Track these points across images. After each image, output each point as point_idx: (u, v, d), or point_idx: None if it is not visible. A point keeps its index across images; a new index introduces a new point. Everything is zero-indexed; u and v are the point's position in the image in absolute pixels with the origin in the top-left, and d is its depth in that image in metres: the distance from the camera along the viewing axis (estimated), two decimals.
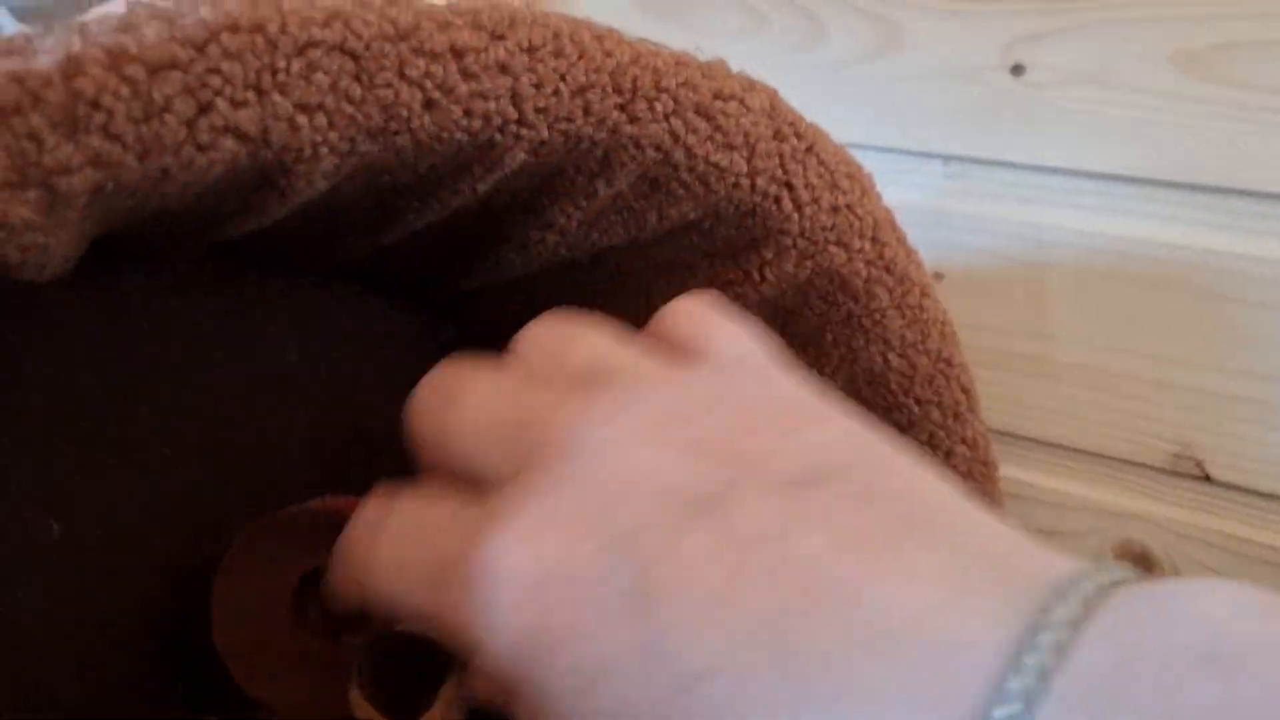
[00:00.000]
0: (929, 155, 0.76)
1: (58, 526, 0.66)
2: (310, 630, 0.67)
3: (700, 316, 0.44)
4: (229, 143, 0.37)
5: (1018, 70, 0.71)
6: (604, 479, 0.31)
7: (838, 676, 0.26)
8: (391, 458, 0.80)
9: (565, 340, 0.42)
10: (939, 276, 0.68)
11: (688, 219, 0.56)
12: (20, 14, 0.47)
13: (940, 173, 0.77)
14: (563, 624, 0.29)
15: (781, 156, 0.54)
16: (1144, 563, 0.74)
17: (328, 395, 0.80)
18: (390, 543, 0.39)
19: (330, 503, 0.76)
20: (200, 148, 0.36)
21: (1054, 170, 0.73)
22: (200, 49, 0.34)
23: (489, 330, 0.82)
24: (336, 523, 0.72)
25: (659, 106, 0.48)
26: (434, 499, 0.38)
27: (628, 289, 0.64)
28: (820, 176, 0.56)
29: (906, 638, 0.26)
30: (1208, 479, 0.70)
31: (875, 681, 0.26)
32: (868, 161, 0.59)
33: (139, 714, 0.62)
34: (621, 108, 0.47)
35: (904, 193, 0.63)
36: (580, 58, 0.45)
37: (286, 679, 0.63)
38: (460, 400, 0.38)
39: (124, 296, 0.69)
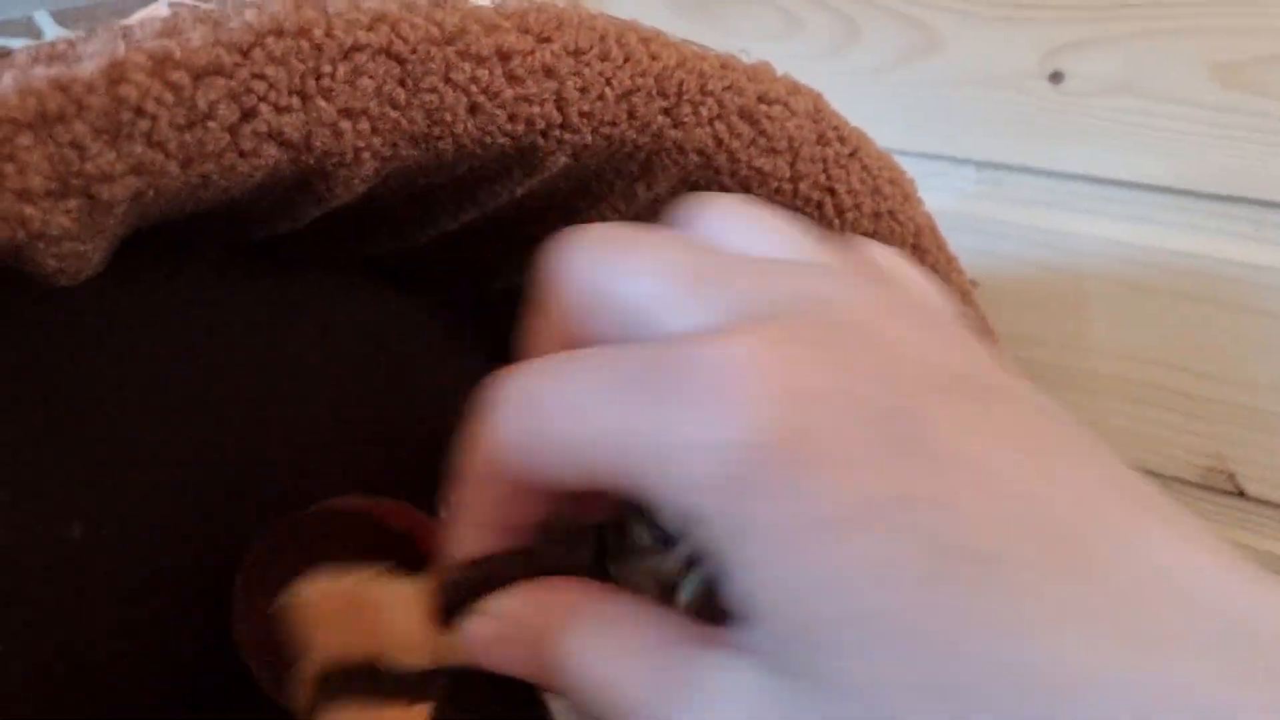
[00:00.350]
0: (962, 161, 0.75)
1: (79, 527, 0.65)
2: None
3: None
4: (272, 149, 0.36)
5: (1056, 78, 0.70)
6: (854, 339, 0.26)
7: (1121, 585, 0.23)
8: (417, 457, 0.80)
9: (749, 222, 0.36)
10: (975, 285, 0.67)
11: None
12: (61, 18, 0.46)
13: (973, 178, 0.76)
14: (825, 437, 0.24)
15: (825, 161, 0.53)
16: None
17: (352, 394, 0.79)
18: (563, 388, 0.31)
19: (355, 502, 0.75)
20: (243, 154, 0.35)
21: (1089, 179, 0.72)
22: (245, 54, 0.34)
23: (514, 327, 0.81)
24: (361, 522, 0.71)
25: (704, 111, 0.47)
26: (599, 355, 0.31)
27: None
28: (863, 182, 0.55)
29: (1201, 595, 0.23)
30: (1241, 494, 0.69)
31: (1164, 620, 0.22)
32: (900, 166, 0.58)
33: (165, 717, 0.61)
34: (666, 112, 0.46)
35: (936, 198, 0.61)
36: (626, 61, 0.44)
37: (309, 683, 0.62)
38: (639, 252, 0.31)
39: (148, 290, 0.68)
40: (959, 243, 0.62)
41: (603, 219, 0.54)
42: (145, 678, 0.64)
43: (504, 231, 0.62)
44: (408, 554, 0.70)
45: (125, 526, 0.67)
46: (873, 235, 0.57)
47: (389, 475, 0.78)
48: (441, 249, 0.66)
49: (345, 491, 0.75)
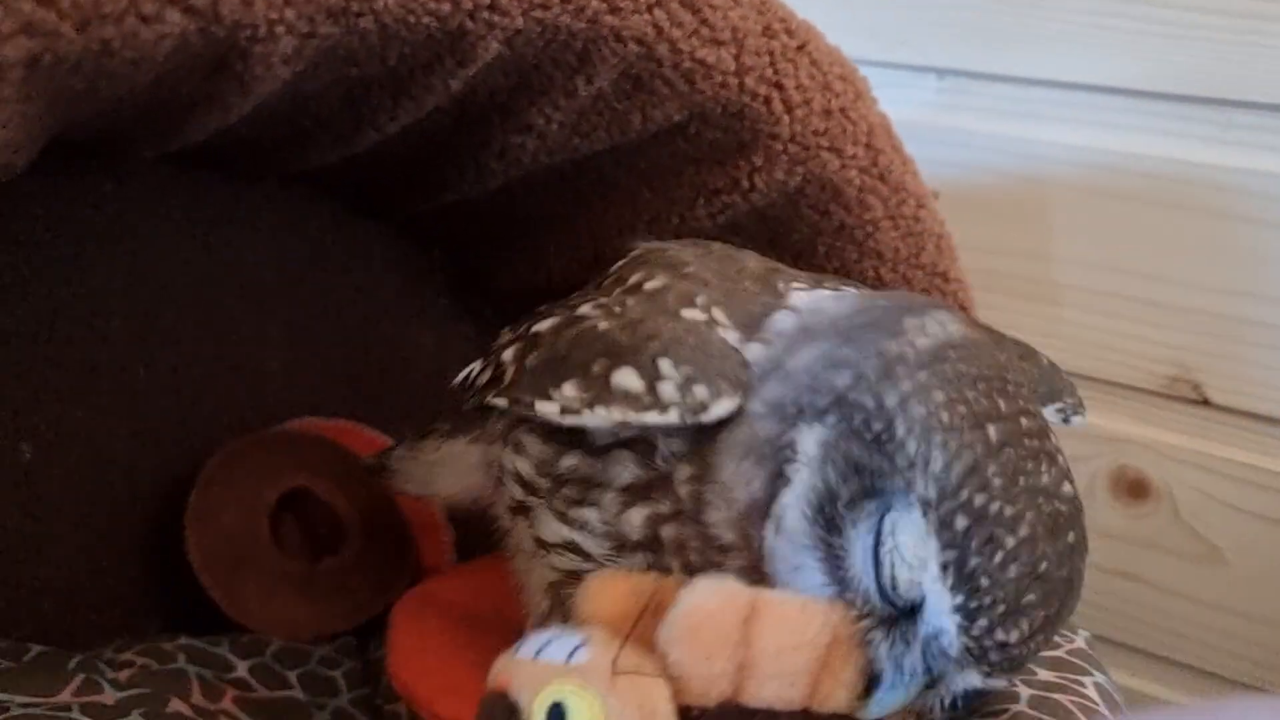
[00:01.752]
0: (923, 69, 0.74)
1: (28, 449, 0.64)
2: (288, 551, 0.66)
3: None
4: (175, 15, 0.34)
5: None
6: None
7: None
8: (375, 380, 0.79)
9: None
10: (936, 195, 0.66)
11: (672, 121, 0.54)
12: None
13: (934, 87, 0.74)
14: None
15: (772, 54, 0.52)
16: (1140, 490, 0.72)
17: (309, 315, 0.78)
18: None
19: (311, 424, 0.75)
20: (144, 19, 0.34)
21: (1051, 84, 0.71)
22: None
23: (475, 250, 0.80)
24: (317, 444, 0.70)
25: None
26: None
27: (613, 199, 0.62)
28: (812, 78, 0.53)
29: None
30: (1206, 402, 0.69)
31: None
32: None
33: (116, 633, 0.60)
34: None
35: (897, 108, 0.60)
36: None
37: (263, 598, 0.62)
38: None
39: (94, 207, 0.67)
40: (920, 152, 0.61)
41: (544, 117, 0.53)
42: (98, 595, 0.63)
43: (449, 138, 0.60)
44: (357, 472, 0.70)
45: (75, 447, 0.66)
46: (823, 134, 0.55)
47: (345, 397, 0.77)
48: (391, 162, 0.64)
49: (301, 413, 0.74)
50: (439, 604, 0.59)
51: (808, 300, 0.44)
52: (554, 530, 0.45)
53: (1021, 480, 0.36)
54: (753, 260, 0.48)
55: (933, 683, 0.37)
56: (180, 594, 0.62)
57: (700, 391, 0.40)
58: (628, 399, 0.40)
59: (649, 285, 0.46)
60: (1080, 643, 0.51)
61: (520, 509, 0.47)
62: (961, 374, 0.38)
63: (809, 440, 0.39)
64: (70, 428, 0.65)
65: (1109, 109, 0.69)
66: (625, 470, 0.43)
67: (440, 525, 0.69)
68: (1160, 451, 0.70)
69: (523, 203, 0.65)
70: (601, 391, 0.41)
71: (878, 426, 0.37)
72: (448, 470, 0.55)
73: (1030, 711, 0.41)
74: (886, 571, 0.37)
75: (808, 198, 0.57)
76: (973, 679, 0.36)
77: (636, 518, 0.42)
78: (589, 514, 0.44)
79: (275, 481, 0.65)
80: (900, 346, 0.39)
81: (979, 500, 0.35)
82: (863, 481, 0.38)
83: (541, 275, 0.71)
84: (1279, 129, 0.65)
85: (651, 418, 0.40)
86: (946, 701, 0.38)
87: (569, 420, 0.42)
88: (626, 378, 0.41)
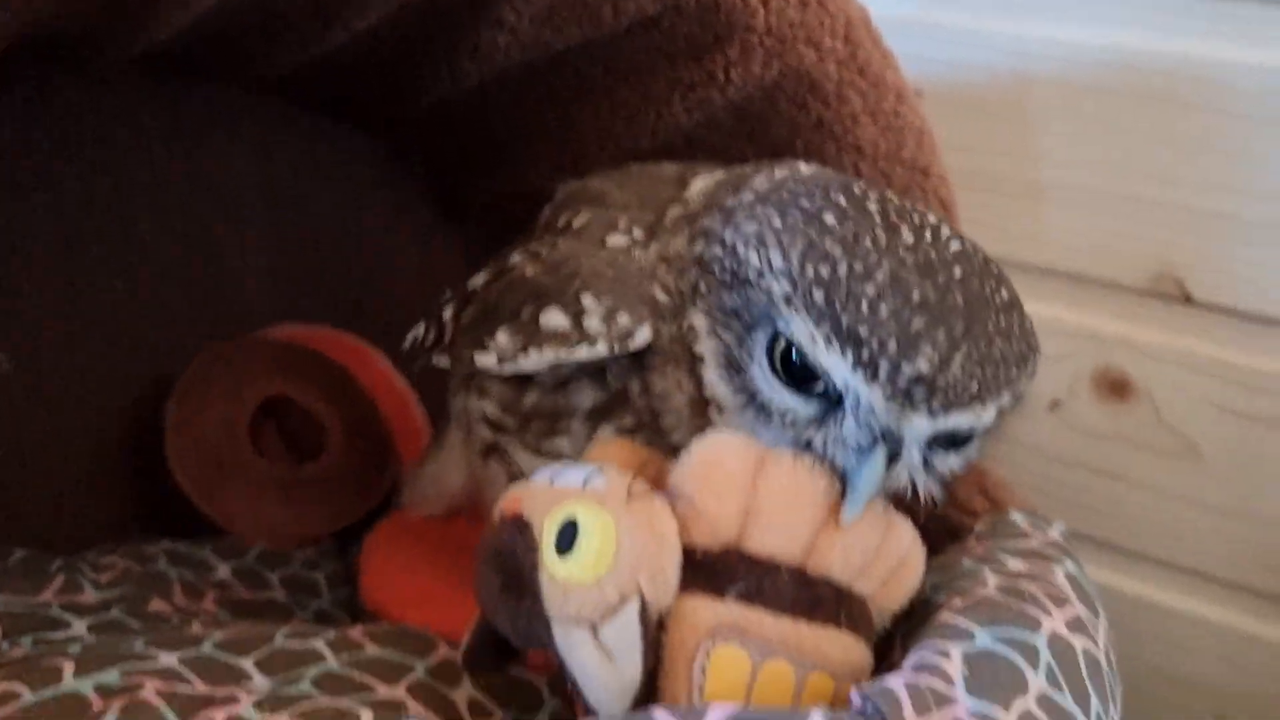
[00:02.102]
0: None
1: (6, 360, 0.64)
2: (269, 457, 0.67)
3: None
4: None
5: None
6: None
7: None
8: (355, 287, 0.78)
9: None
10: (919, 94, 0.64)
11: (646, 14, 0.52)
12: None
13: None
14: None
15: None
16: (1122, 388, 0.72)
17: (288, 226, 0.77)
18: None
19: (290, 330, 0.74)
20: None
21: None
22: None
23: (456, 160, 0.79)
24: (296, 350, 0.70)
25: None
26: None
27: (589, 99, 0.61)
28: None
29: None
30: (1188, 300, 0.68)
31: None
32: None
33: (100, 539, 0.61)
34: None
35: (879, 5, 0.59)
36: None
37: (245, 503, 0.62)
38: None
39: (63, 118, 0.66)
40: (903, 49, 0.59)
41: (515, 11, 0.52)
42: (81, 502, 0.63)
43: (422, 37, 0.59)
44: (341, 381, 0.70)
45: (53, 358, 0.65)
46: (800, 26, 0.54)
47: (327, 308, 0.76)
48: (366, 64, 0.63)
49: (281, 320, 0.74)
50: (412, 530, 0.60)
51: (698, 188, 0.45)
52: (529, 465, 0.46)
53: (867, 241, 0.38)
54: (670, 168, 0.49)
55: (894, 455, 0.38)
56: (164, 500, 0.63)
57: (624, 320, 0.42)
58: (557, 338, 0.42)
59: (576, 222, 0.47)
60: (1055, 534, 0.51)
61: (492, 450, 0.49)
62: (796, 192, 0.40)
63: (698, 317, 0.41)
64: (49, 339, 0.65)
65: (1095, 3, 0.67)
66: (585, 396, 0.45)
67: (421, 430, 0.70)
68: (1142, 350, 0.69)
69: (499, 105, 0.64)
70: (533, 335, 0.43)
71: (730, 264, 0.40)
72: (448, 472, 0.56)
73: (996, 595, 0.41)
74: (785, 376, 0.39)
75: (785, 92, 0.56)
76: (921, 426, 0.38)
77: (605, 437, 0.44)
78: (561, 443, 0.45)
79: (254, 388, 0.65)
80: (741, 196, 0.42)
81: (824, 270, 0.38)
82: (743, 321, 0.40)
83: (523, 184, 0.70)
84: (1268, 21, 0.63)
85: (582, 352, 0.42)
86: (917, 459, 0.39)
87: (508, 368, 0.44)
88: (553, 317, 0.42)
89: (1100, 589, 0.70)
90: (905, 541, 0.41)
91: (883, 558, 0.40)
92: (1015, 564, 0.46)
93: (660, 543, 0.36)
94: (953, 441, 0.41)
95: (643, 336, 0.42)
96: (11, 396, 0.63)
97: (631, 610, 0.34)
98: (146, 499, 0.64)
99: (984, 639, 0.37)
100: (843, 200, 0.39)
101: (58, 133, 0.66)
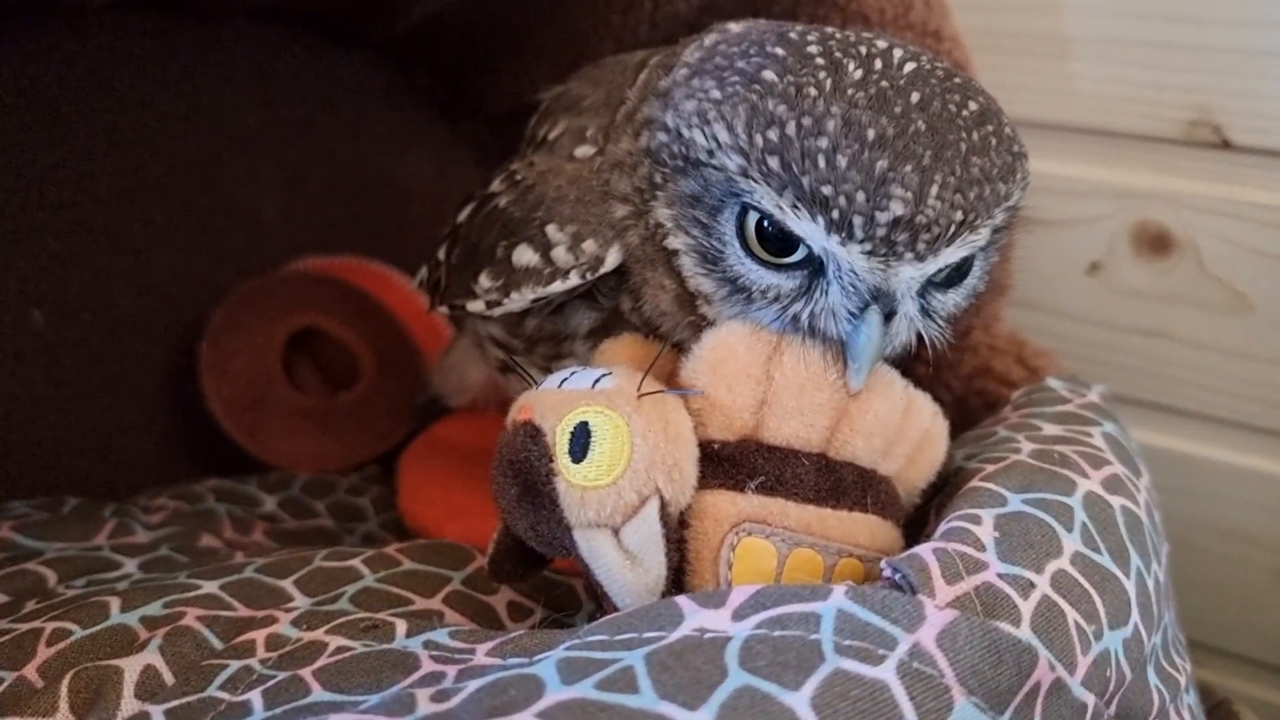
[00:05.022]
0: None
1: (40, 317, 0.65)
2: (305, 389, 0.67)
3: None
4: None
5: None
6: None
7: None
8: (371, 210, 0.78)
9: None
10: None
11: None
12: None
13: None
14: None
15: None
16: (1163, 243, 0.70)
17: (299, 154, 0.77)
18: None
19: (314, 263, 0.74)
20: None
21: None
22: None
23: (461, 73, 0.78)
24: (321, 281, 0.70)
25: None
26: None
27: (573, 5, 0.59)
28: None
29: None
30: (1226, 145, 0.65)
31: None
32: None
33: (150, 481, 0.62)
34: None
35: None
36: None
37: (285, 436, 0.63)
38: None
39: (63, 65, 0.65)
40: None
41: None
42: (129, 448, 0.64)
43: None
44: (367, 307, 0.70)
45: (85, 311, 0.66)
46: None
47: (347, 234, 0.76)
48: None
49: (303, 254, 0.74)
50: (443, 445, 0.60)
51: (642, 77, 0.43)
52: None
53: (811, 90, 0.35)
54: (637, 55, 0.47)
55: (890, 313, 0.37)
56: (207, 439, 0.64)
57: (590, 246, 0.40)
58: (530, 275, 0.41)
59: (551, 135, 0.46)
60: (1094, 396, 0.50)
61: (506, 368, 0.48)
62: (730, 55, 0.38)
63: (661, 212, 0.39)
64: (78, 291, 0.65)
65: None
66: (582, 317, 0.44)
67: None
68: (1181, 202, 0.67)
69: (493, 9, 0.62)
70: (510, 275, 0.42)
71: (678, 149, 0.38)
72: (467, 365, 0.56)
73: (1029, 460, 0.40)
74: (761, 251, 0.37)
75: None
76: (911, 274, 0.36)
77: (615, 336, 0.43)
78: (569, 364, 0.45)
79: (284, 322, 0.66)
80: (674, 74, 0.39)
81: (773, 135, 0.35)
82: (706, 205, 0.38)
83: (529, 88, 0.69)
84: None
85: (558, 286, 0.41)
86: (914, 310, 0.37)
87: (497, 311, 0.43)
88: (524, 254, 0.41)
89: (1152, 450, 0.69)
90: (926, 416, 0.40)
91: (905, 436, 0.39)
92: (1051, 429, 0.45)
93: (675, 440, 0.35)
94: (953, 277, 0.39)
95: (612, 259, 0.40)
96: (50, 349, 0.64)
97: (651, 510, 0.34)
98: (191, 439, 0.65)
99: (1015, 503, 0.37)
100: (780, 51, 0.36)
101: (56, 80, 0.65)
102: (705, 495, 0.36)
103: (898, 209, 0.34)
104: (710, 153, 0.36)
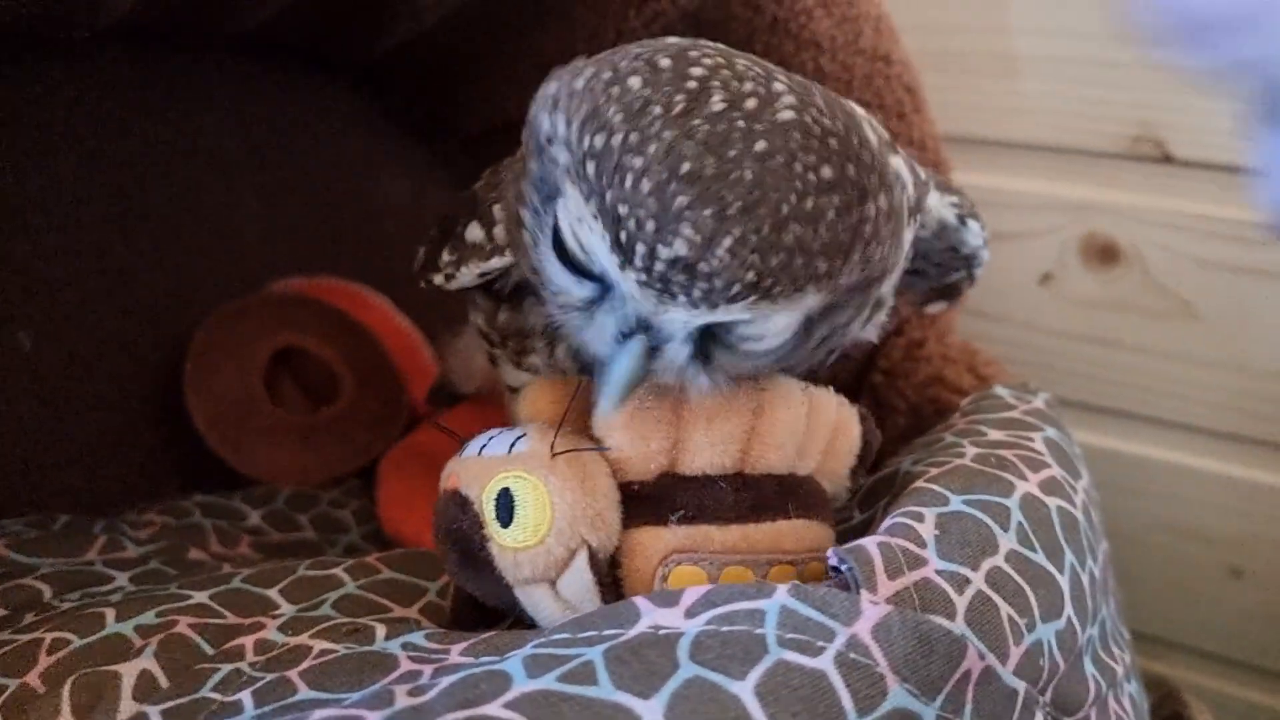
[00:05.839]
0: None
1: (27, 339, 0.67)
2: (287, 405, 0.69)
3: None
4: None
5: None
6: None
7: None
8: (350, 232, 0.80)
9: None
10: None
11: None
12: None
13: None
14: None
15: None
16: (1110, 254, 0.73)
17: (278, 178, 0.79)
18: None
19: (294, 284, 0.77)
20: None
21: None
22: None
23: (434, 96, 0.80)
24: (301, 301, 0.73)
25: None
26: None
27: (549, 22, 0.61)
28: None
29: None
30: (1168, 159, 0.68)
31: None
32: None
33: (139, 497, 0.64)
34: None
35: None
36: None
37: (269, 451, 0.65)
38: None
39: (47, 94, 0.67)
40: None
41: None
42: (118, 465, 0.66)
43: None
44: (345, 326, 0.72)
45: (71, 331, 0.68)
46: None
47: (325, 255, 0.78)
48: (329, 14, 0.64)
49: (283, 275, 0.76)
50: (422, 454, 0.62)
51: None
52: (516, 378, 0.47)
53: (656, 109, 0.33)
54: None
55: (655, 348, 0.35)
56: (194, 455, 0.66)
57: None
58: (475, 250, 0.42)
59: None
60: (1039, 403, 0.52)
61: (492, 360, 0.50)
62: (626, 53, 0.35)
63: (519, 192, 0.38)
64: (64, 313, 0.67)
65: None
66: (535, 315, 0.44)
67: (430, 366, 0.72)
68: (1127, 214, 0.70)
69: (461, 40, 0.65)
70: (463, 251, 0.42)
71: (530, 131, 0.36)
72: (474, 352, 0.56)
73: (971, 464, 0.43)
74: (565, 247, 0.36)
75: None
76: (681, 317, 0.34)
77: (562, 353, 0.44)
78: (535, 360, 0.46)
79: (265, 341, 0.68)
80: (578, 60, 0.37)
81: (599, 140, 0.33)
82: (542, 193, 0.36)
83: (501, 111, 0.71)
84: None
85: (496, 262, 0.41)
86: (683, 355, 0.36)
87: (453, 285, 0.44)
88: (473, 231, 0.42)
89: (1104, 452, 0.72)
90: (830, 410, 0.42)
91: (816, 434, 0.41)
92: (994, 434, 0.47)
93: (594, 493, 0.37)
94: (747, 336, 0.36)
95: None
96: (38, 370, 0.66)
97: (581, 561, 0.36)
98: (176, 455, 0.67)
99: (956, 503, 0.39)
100: (664, 62, 0.34)
101: (41, 108, 0.67)
102: (632, 534, 0.37)
103: (681, 249, 0.32)
104: (550, 140, 0.35)
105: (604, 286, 0.36)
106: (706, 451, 0.38)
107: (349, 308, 0.71)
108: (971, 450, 0.45)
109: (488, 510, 0.37)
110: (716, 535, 0.37)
